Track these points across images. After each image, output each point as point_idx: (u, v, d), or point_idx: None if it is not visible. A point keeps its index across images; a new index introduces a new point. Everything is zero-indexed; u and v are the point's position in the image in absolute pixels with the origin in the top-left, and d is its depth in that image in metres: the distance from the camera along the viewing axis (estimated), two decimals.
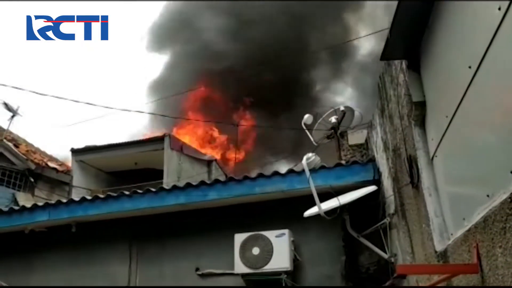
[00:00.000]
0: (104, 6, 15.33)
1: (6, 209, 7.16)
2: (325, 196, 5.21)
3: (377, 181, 5.44)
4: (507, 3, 1.96)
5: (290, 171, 5.95)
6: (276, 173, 5.98)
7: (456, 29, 2.67)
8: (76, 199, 6.82)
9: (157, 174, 11.91)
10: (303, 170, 5.24)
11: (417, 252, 3.79)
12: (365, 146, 6.96)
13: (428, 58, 3.19)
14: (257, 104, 20.70)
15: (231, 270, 5.81)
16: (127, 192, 6.57)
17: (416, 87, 3.34)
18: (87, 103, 10.20)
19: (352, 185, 5.55)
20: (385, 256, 5.10)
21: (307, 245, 5.85)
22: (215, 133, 17.62)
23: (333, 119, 7.29)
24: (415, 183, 3.53)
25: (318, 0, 20.25)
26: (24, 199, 11.08)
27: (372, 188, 5.34)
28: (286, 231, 5.66)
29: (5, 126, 12.87)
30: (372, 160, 5.71)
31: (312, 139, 7.51)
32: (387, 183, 4.99)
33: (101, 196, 6.76)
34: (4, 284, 5.90)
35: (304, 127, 7.45)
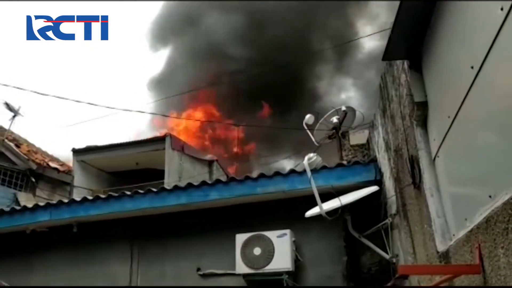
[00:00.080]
0: (104, 6, 15.34)
1: (7, 209, 7.18)
2: (326, 196, 5.21)
3: (379, 182, 5.43)
4: (509, 3, 1.96)
5: (292, 171, 5.95)
6: (278, 173, 5.97)
7: (458, 29, 2.66)
8: (78, 199, 6.82)
9: (158, 174, 11.91)
10: (305, 170, 5.24)
11: (419, 252, 3.78)
12: (366, 146, 6.96)
13: (430, 58, 3.19)
14: (261, 104, 20.69)
15: (232, 270, 5.81)
16: (128, 192, 6.57)
17: (418, 87, 3.33)
18: (89, 103, 10.21)
19: (353, 186, 5.55)
20: (387, 256, 5.09)
21: (308, 246, 5.85)
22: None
23: (334, 119, 7.28)
24: (417, 183, 3.53)
25: (320, 0, 20.26)
26: (26, 199, 11.10)
27: (373, 189, 5.33)
28: (287, 231, 5.66)
29: (6, 126, 12.89)
30: (374, 161, 5.70)
31: (313, 139, 7.51)
32: (388, 183, 4.99)
33: (102, 196, 6.76)
34: (5, 284, 5.90)
35: (306, 127, 7.44)
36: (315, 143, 7.51)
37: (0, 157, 11.95)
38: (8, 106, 11.96)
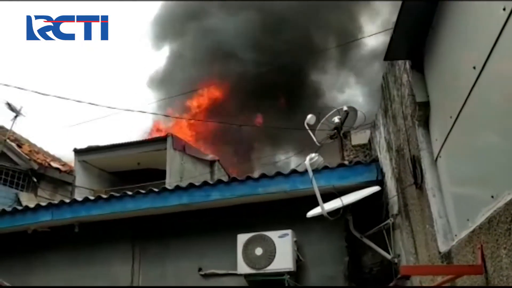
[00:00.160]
0: (104, 6, 15.34)
1: (9, 209, 7.19)
2: (328, 196, 5.21)
3: (381, 182, 5.43)
4: None
5: (293, 172, 5.94)
6: (279, 174, 5.97)
7: (461, 29, 2.66)
8: (79, 199, 6.83)
9: (160, 174, 11.92)
10: (306, 171, 5.23)
11: (421, 253, 3.77)
12: (368, 146, 6.96)
13: (432, 58, 3.18)
14: (265, 103, 20.64)
15: (233, 270, 5.81)
16: (129, 192, 6.58)
17: (419, 88, 3.32)
18: (90, 103, 10.22)
19: (355, 186, 5.54)
20: (389, 256, 5.09)
21: (310, 246, 5.84)
22: None
23: (336, 119, 7.28)
24: (419, 183, 3.52)
25: (322, 0, 20.23)
26: (27, 199, 11.12)
27: (375, 189, 5.33)
28: (289, 231, 5.66)
29: (8, 126, 12.91)
30: (376, 161, 5.70)
31: (314, 139, 7.51)
32: (390, 183, 4.98)
33: (104, 196, 6.77)
34: (7, 284, 5.91)
35: (307, 127, 7.44)
36: (317, 143, 7.51)
37: (2, 157, 11.97)
38: (10, 106, 11.97)
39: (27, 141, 14.12)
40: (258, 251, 5.63)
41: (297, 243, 5.72)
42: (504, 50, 2.09)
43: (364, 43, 20.00)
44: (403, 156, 4.05)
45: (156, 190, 6.43)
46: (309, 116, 7.41)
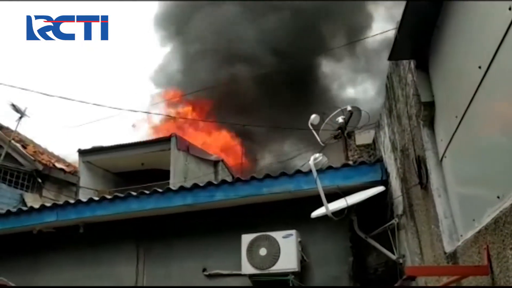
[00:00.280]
0: (104, 6, 15.35)
1: (14, 209, 7.22)
2: (332, 196, 5.20)
3: (385, 182, 5.42)
4: None
5: (297, 172, 5.94)
6: (283, 174, 5.97)
7: (466, 28, 2.64)
8: (84, 200, 6.85)
9: (164, 174, 11.95)
10: (310, 171, 5.22)
11: (426, 253, 3.76)
12: (372, 146, 6.94)
13: (437, 58, 3.17)
14: (270, 103, 20.57)
15: (238, 270, 5.81)
16: (134, 193, 6.59)
17: (424, 87, 3.31)
18: (94, 104, 10.25)
19: (359, 186, 5.53)
20: (393, 257, 5.07)
21: (314, 246, 5.84)
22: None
23: (340, 119, 7.26)
24: (424, 184, 3.51)
25: (325, 0, 20.16)
26: (32, 200, 11.15)
27: (380, 189, 5.31)
28: (293, 231, 5.65)
29: (13, 127, 12.94)
30: (380, 161, 5.69)
31: (318, 139, 7.49)
32: (395, 183, 4.97)
33: (108, 197, 6.79)
34: (12, 284, 5.93)
35: (311, 127, 7.42)
36: (321, 143, 7.50)
37: (7, 158, 12.01)
38: (15, 107, 12.00)
39: (32, 142, 14.16)
40: (263, 251, 5.63)
41: (301, 243, 5.71)
42: (510, 49, 2.07)
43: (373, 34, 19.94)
44: (408, 156, 4.03)
45: (160, 190, 6.44)
46: (313, 116, 7.40)
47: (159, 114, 15.58)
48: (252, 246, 5.70)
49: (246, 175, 6.58)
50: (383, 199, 5.41)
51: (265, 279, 5.61)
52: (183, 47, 23.39)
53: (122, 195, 6.67)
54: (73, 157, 13.94)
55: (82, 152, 13.15)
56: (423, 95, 3.30)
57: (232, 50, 21.15)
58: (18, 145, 12.67)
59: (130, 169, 13.22)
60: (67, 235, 6.88)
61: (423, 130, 3.43)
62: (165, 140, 12.61)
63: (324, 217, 5.13)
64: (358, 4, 21.51)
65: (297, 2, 20.52)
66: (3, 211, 7.15)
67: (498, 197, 2.25)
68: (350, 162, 6.08)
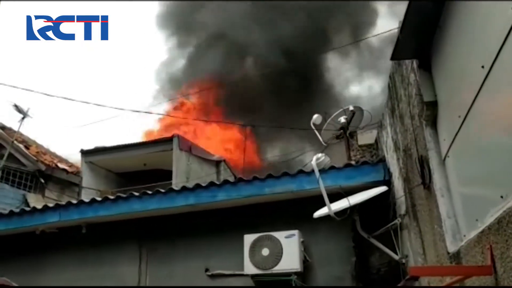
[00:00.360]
0: (104, 6, 15.34)
1: (17, 210, 7.23)
2: (335, 196, 5.20)
3: (388, 182, 5.41)
4: None
5: (300, 172, 5.93)
6: (286, 174, 5.96)
7: (469, 28, 2.64)
8: (86, 200, 6.85)
9: (166, 174, 11.95)
10: (313, 171, 5.22)
11: (429, 253, 3.75)
12: (375, 146, 6.93)
13: (440, 58, 3.16)
14: (274, 102, 20.54)
15: (240, 271, 5.81)
16: (136, 193, 6.60)
17: (427, 87, 3.30)
18: (96, 104, 10.27)
19: (362, 186, 5.53)
20: (396, 257, 5.07)
21: (317, 246, 5.83)
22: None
23: (342, 119, 7.26)
24: (427, 183, 3.50)
25: (328, 0, 20.12)
26: (35, 200, 11.18)
27: (382, 189, 5.31)
28: (295, 231, 5.65)
29: (15, 128, 12.97)
30: (382, 161, 5.68)
31: (321, 139, 7.49)
32: (397, 183, 4.96)
33: (111, 197, 6.79)
34: (14, 284, 5.94)
35: (313, 127, 7.42)
36: (323, 143, 7.50)
37: (10, 159, 12.04)
38: (17, 108, 12.02)
39: (34, 142, 14.20)
40: (265, 251, 5.62)
41: (304, 243, 5.71)
42: None
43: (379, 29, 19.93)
44: (410, 156, 4.03)
45: (162, 190, 6.45)
46: (315, 116, 7.40)
47: (161, 114, 15.56)
48: (255, 246, 5.69)
49: (250, 174, 6.57)
50: (385, 199, 5.40)
51: (268, 279, 5.61)
52: (186, 46, 23.40)
53: (124, 195, 6.67)
54: (75, 158, 13.97)
55: (84, 153, 13.17)
56: (425, 94, 3.30)
57: (237, 48, 21.13)
58: (21, 145, 12.71)
59: (133, 170, 13.24)
60: (70, 236, 6.89)
61: (426, 130, 3.42)
62: (167, 140, 12.62)
63: (326, 217, 5.13)
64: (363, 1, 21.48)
65: (302, 1, 20.50)
66: (6, 212, 7.16)
67: (502, 197, 2.25)
68: (353, 162, 6.07)
